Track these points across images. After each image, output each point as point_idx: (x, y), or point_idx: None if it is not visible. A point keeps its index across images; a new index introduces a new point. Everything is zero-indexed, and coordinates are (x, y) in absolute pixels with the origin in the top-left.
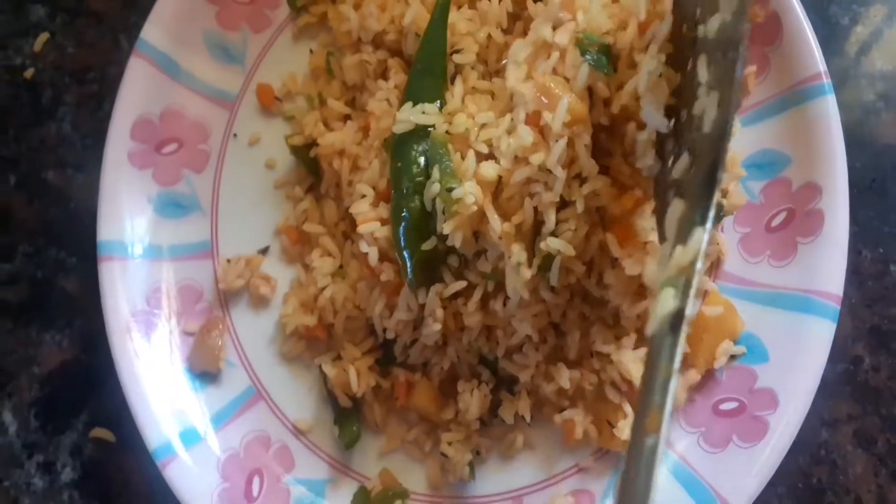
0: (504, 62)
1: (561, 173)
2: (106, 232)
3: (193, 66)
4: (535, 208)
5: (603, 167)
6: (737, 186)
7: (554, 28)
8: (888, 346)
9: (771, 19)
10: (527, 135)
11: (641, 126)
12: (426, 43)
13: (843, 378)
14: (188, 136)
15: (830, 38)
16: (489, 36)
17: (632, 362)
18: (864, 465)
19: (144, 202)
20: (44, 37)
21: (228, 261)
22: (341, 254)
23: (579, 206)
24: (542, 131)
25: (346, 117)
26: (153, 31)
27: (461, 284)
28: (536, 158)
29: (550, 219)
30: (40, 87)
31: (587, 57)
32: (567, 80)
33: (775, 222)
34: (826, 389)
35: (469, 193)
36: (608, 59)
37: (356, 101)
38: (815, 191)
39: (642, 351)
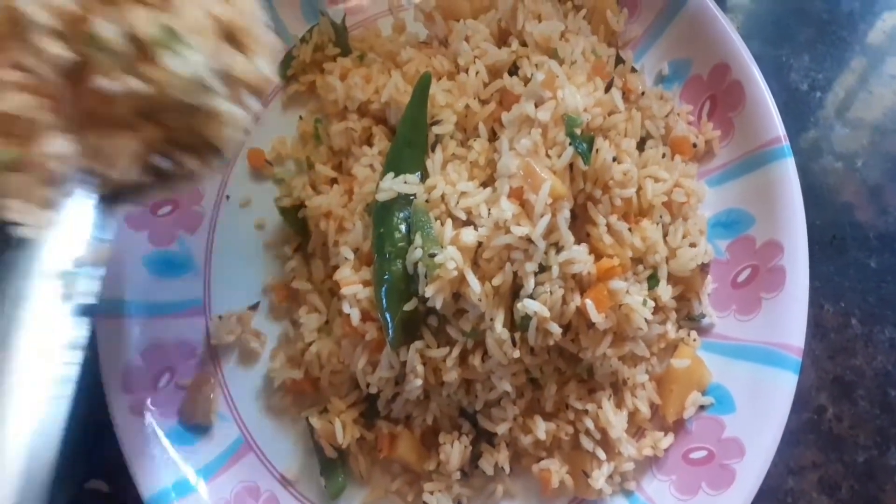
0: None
1: (542, 244)
2: (103, 290)
3: None
4: (515, 272)
5: (584, 234)
6: (706, 244)
7: (536, 105)
8: (850, 396)
9: (734, 87)
10: (509, 208)
11: None
12: (408, 117)
13: (808, 427)
14: (183, 199)
15: (791, 102)
16: (467, 106)
17: (609, 412)
18: None
19: (139, 262)
20: None
21: (220, 317)
22: (328, 310)
23: (555, 272)
24: (524, 205)
25: (333, 181)
26: None
27: (442, 352)
28: (518, 230)
29: (529, 283)
30: None
31: (575, 144)
32: (548, 156)
33: (741, 278)
34: (791, 438)
35: (450, 259)
36: (590, 147)
37: (342, 165)
38: (776, 248)
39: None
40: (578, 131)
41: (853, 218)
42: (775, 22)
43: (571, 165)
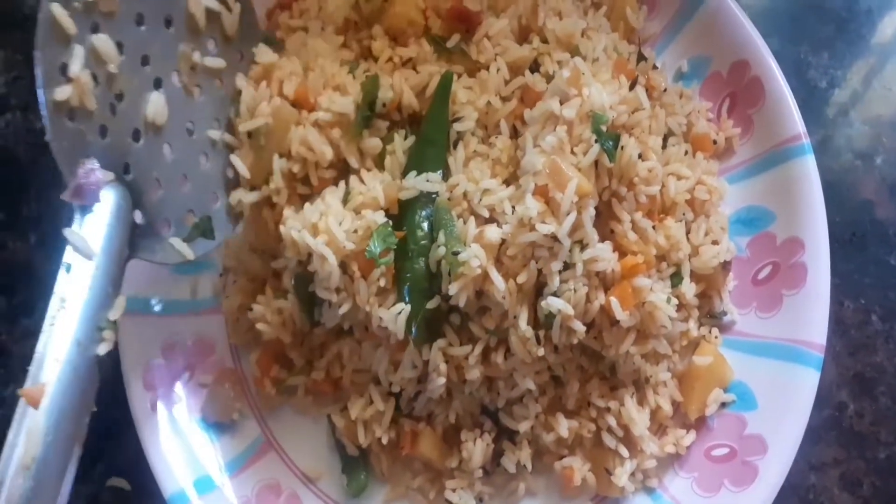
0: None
1: (568, 243)
2: (125, 288)
3: None
4: (539, 270)
5: (608, 231)
6: (727, 240)
7: (561, 102)
8: (871, 393)
9: (754, 84)
10: (534, 206)
11: None
12: (430, 115)
13: (829, 424)
14: None
15: (810, 100)
16: (489, 103)
17: (632, 410)
18: None
19: None
20: None
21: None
22: None
23: (579, 269)
24: (549, 202)
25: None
26: None
27: (465, 350)
28: (544, 228)
29: (554, 281)
30: None
31: (601, 142)
32: (573, 153)
33: (762, 275)
34: (813, 435)
35: (474, 256)
36: (616, 145)
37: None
38: (798, 245)
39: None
40: (604, 128)
41: (873, 215)
42: (794, 19)
43: (596, 163)
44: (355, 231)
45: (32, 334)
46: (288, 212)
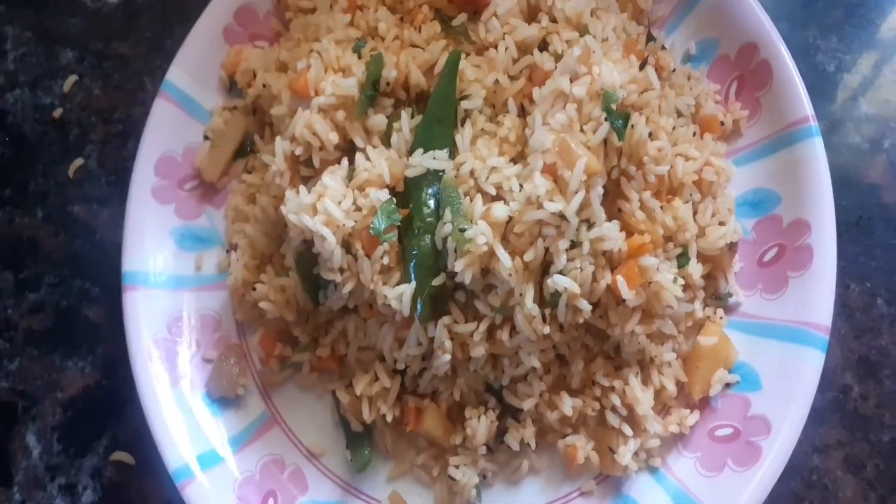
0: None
1: (576, 221)
2: (130, 263)
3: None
4: (546, 248)
5: (616, 210)
6: (734, 222)
7: (571, 80)
8: (876, 376)
9: (762, 66)
10: (543, 184)
11: None
12: (437, 93)
13: (833, 406)
14: None
15: (818, 83)
16: (496, 81)
17: (636, 389)
18: (854, 489)
19: (166, 235)
20: (72, 79)
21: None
22: None
23: (585, 248)
24: (557, 180)
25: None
26: (178, 74)
27: (470, 327)
28: (552, 206)
29: (560, 260)
30: (68, 126)
31: (611, 120)
32: (583, 131)
33: (767, 257)
34: (817, 417)
35: (480, 234)
36: (625, 124)
37: None
38: (804, 227)
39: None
40: (614, 107)
41: (880, 199)
42: (803, 3)
43: (605, 141)
44: (358, 209)
45: (39, 309)
46: (290, 193)
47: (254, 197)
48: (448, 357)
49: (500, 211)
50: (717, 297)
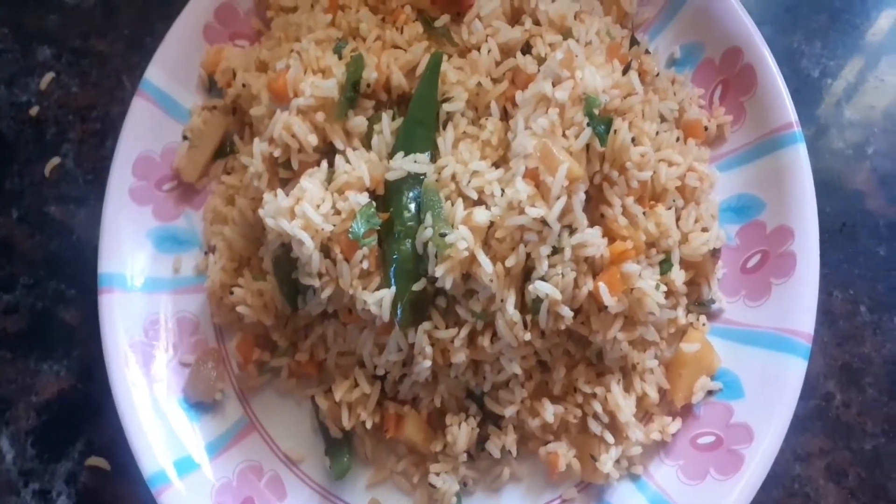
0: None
1: (558, 227)
2: (107, 264)
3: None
4: (528, 254)
5: (598, 216)
6: (717, 228)
7: (553, 84)
8: (858, 384)
9: (746, 71)
10: (524, 189)
11: None
12: (419, 95)
13: (816, 414)
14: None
15: (802, 89)
16: (479, 84)
17: (618, 396)
18: (835, 498)
19: (144, 237)
20: (49, 76)
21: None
22: None
23: (567, 254)
24: (539, 185)
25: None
26: (157, 73)
27: (451, 333)
28: (534, 212)
29: (542, 266)
30: (45, 124)
31: (594, 125)
32: (565, 136)
33: (750, 264)
34: (799, 425)
35: (461, 239)
36: (608, 129)
37: None
38: (787, 233)
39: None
40: (597, 112)
41: (863, 206)
42: (788, 8)
43: (588, 146)
44: (338, 213)
45: (14, 310)
46: (268, 196)
47: (233, 198)
48: (428, 363)
49: (481, 216)
50: (699, 304)
